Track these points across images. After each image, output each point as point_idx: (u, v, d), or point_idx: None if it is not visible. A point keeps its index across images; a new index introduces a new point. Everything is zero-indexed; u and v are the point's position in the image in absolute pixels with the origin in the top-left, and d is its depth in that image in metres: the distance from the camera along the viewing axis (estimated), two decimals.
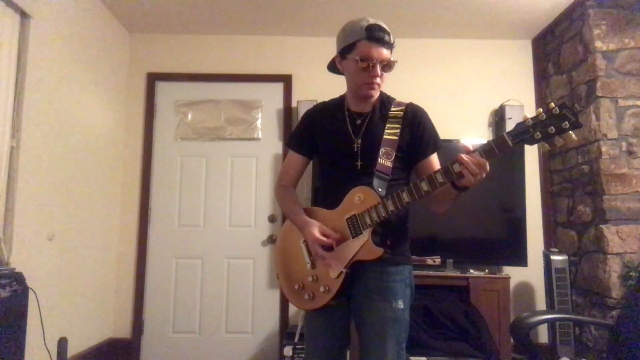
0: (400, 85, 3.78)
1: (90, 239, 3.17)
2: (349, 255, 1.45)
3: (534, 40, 3.77)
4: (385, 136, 1.51)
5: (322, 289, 1.48)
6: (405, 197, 1.38)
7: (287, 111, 3.69)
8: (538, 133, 1.22)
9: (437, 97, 3.65)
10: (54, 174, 2.75)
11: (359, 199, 1.46)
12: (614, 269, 2.81)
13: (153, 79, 3.75)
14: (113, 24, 3.51)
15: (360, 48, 1.47)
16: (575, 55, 3.22)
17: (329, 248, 1.47)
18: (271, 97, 3.75)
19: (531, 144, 1.26)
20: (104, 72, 3.36)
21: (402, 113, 1.56)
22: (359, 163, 1.52)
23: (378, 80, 1.50)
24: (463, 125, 3.59)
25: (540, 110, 1.22)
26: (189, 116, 3.73)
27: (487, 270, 3.19)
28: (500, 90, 3.65)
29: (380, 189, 1.45)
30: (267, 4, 3.30)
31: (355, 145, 1.53)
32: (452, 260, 3.17)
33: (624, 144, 2.91)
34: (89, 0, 3.13)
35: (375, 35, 1.46)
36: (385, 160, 1.48)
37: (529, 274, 3.41)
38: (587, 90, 3.07)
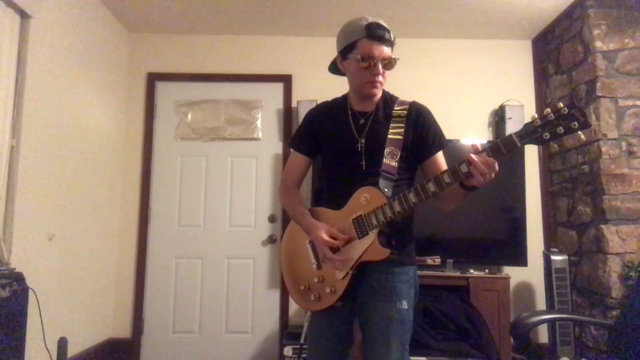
0: (400, 85, 3.78)
1: (90, 239, 3.17)
2: (356, 256, 1.44)
3: (534, 40, 3.77)
4: (389, 136, 1.50)
5: (328, 290, 1.48)
6: (412, 197, 1.37)
7: (287, 111, 3.70)
8: (547, 133, 1.20)
9: (437, 97, 3.64)
10: (54, 174, 2.75)
11: (365, 199, 1.44)
12: (614, 269, 2.81)
13: (153, 79, 3.75)
14: (113, 24, 3.51)
15: (361, 47, 1.46)
16: (575, 55, 3.22)
17: (335, 249, 1.46)
18: (271, 97, 3.75)
19: (540, 144, 1.25)
20: (104, 72, 3.36)
21: (405, 112, 1.55)
22: (363, 163, 1.51)
23: (380, 78, 1.49)
24: (463, 125, 3.59)
25: (549, 110, 1.21)
26: (189, 116, 3.73)
27: (487, 270, 3.19)
28: (500, 90, 3.64)
29: (386, 189, 1.44)
30: (267, 4, 3.30)
31: (359, 145, 1.52)
32: (452, 260, 3.17)
33: (624, 144, 2.91)
34: (89, 0, 3.14)
35: (376, 33, 1.44)
36: (390, 160, 1.47)
37: (529, 274, 3.41)
38: (587, 90, 3.07)
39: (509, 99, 3.54)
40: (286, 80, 3.73)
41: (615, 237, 2.84)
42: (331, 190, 1.61)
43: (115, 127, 3.54)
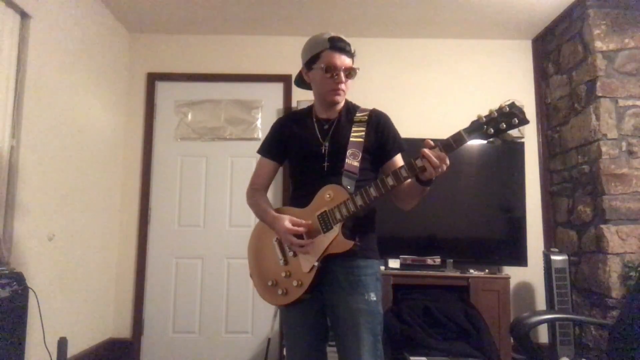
0: (400, 85, 3.81)
1: (90, 239, 3.17)
2: (321, 249, 1.51)
3: (534, 40, 3.77)
4: (351, 139, 1.60)
5: (295, 284, 1.54)
6: (373, 192, 1.45)
7: (287, 111, 3.69)
8: (491, 129, 1.36)
9: (438, 97, 3.65)
10: (54, 174, 2.75)
11: (329, 196, 1.53)
12: (614, 269, 2.81)
13: (153, 79, 3.75)
14: (113, 24, 3.51)
15: (325, 57, 1.58)
16: (575, 55, 3.22)
17: (300, 238, 1.53)
18: (271, 97, 3.75)
19: (485, 139, 1.40)
20: (104, 72, 3.36)
21: (366, 117, 1.66)
22: (325, 164, 1.60)
23: (342, 86, 1.60)
24: (463, 125, 3.57)
25: (493, 109, 1.37)
26: (189, 116, 3.73)
27: (487, 270, 3.19)
28: (500, 90, 3.65)
29: (349, 187, 1.53)
30: (266, 4, 3.30)
31: (323, 147, 1.62)
32: (452, 260, 3.18)
33: (624, 144, 2.91)
34: (89, 0, 3.14)
35: (338, 45, 1.58)
36: (352, 161, 1.57)
37: (529, 274, 3.41)
38: (587, 90, 3.07)
39: (509, 99, 3.53)
40: (286, 80, 3.73)
41: (615, 237, 2.84)
42: (297, 191, 1.70)
43: (115, 127, 3.54)
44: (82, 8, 3.05)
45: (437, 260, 3.12)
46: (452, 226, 3.31)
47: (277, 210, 1.64)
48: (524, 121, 1.35)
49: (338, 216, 1.49)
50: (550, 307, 3.04)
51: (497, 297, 2.99)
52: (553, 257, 3.07)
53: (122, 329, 3.50)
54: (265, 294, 1.64)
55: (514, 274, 3.25)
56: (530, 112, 3.51)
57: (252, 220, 3.55)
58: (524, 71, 3.75)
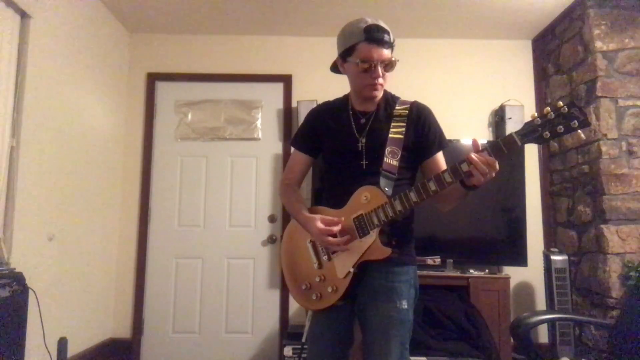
0: (400, 85, 3.77)
1: (90, 239, 3.16)
2: (357, 255, 1.44)
3: (534, 40, 3.77)
4: (390, 135, 1.50)
5: (329, 289, 1.48)
6: (413, 197, 1.37)
7: (287, 111, 3.69)
8: (547, 132, 1.20)
9: (437, 97, 3.64)
10: (54, 174, 2.75)
11: (366, 198, 1.45)
12: (614, 269, 2.81)
13: (153, 79, 3.75)
14: (113, 24, 3.51)
15: (360, 50, 1.46)
16: (575, 55, 3.22)
17: (334, 236, 1.45)
18: (271, 97, 3.75)
19: (540, 143, 1.25)
20: (104, 72, 3.36)
21: (407, 111, 1.54)
22: (364, 162, 1.51)
23: (380, 80, 1.49)
24: (463, 125, 3.59)
25: (549, 109, 1.20)
26: (189, 116, 3.73)
27: (487, 270, 3.19)
28: (500, 90, 3.64)
29: (387, 189, 1.44)
30: (267, 4, 3.30)
31: (360, 144, 1.52)
32: (452, 260, 3.17)
33: (624, 144, 2.91)
34: (89, 0, 3.13)
35: (375, 36, 1.44)
36: (391, 160, 1.47)
37: (529, 274, 3.41)
38: (587, 90, 3.07)
39: (509, 99, 3.53)
40: (286, 80, 3.73)
41: (615, 237, 2.84)
42: (331, 190, 1.61)
43: (115, 127, 3.54)
44: (82, 8, 3.05)
45: (437, 260, 3.11)
46: (452, 226, 3.30)
47: (311, 211, 1.56)
48: (584, 123, 1.17)
49: (375, 221, 1.41)
50: (550, 307, 3.04)
51: (497, 297, 2.99)
52: (553, 257, 3.07)
53: (122, 329, 3.50)
54: (299, 297, 1.58)
55: (514, 274, 3.25)
56: (530, 112, 3.51)
57: (252, 220, 3.61)
58: (524, 71, 3.75)
